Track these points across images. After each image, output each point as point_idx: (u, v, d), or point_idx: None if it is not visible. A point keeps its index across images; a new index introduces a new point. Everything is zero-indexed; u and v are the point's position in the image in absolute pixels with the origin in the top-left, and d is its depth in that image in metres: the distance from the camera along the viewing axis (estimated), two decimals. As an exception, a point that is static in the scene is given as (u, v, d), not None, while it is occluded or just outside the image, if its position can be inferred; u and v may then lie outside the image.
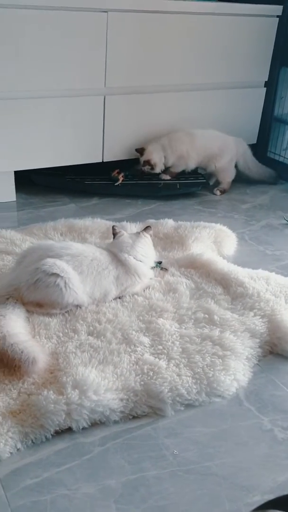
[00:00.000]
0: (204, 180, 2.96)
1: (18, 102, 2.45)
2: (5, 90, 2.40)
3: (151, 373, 1.45)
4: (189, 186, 2.89)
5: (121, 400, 1.37)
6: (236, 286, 1.87)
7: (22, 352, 1.42)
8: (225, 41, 2.91)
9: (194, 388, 1.43)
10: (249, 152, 3.04)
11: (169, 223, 2.40)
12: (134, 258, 1.83)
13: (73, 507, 1.13)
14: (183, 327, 1.67)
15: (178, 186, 2.85)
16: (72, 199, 2.75)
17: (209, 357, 1.53)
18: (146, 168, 2.83)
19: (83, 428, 1.32)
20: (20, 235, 2.22)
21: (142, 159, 2.82)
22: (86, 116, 2.66)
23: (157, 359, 1.51)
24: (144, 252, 1.87)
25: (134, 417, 1.37)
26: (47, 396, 1.33)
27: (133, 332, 1.62)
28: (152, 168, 2.83)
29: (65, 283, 1.63)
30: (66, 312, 1.69)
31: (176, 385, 1.42)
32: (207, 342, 1.60)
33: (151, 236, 1.95)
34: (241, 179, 3.08)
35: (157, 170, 2.85)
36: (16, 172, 2.66)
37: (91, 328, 1.63)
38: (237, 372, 1.51)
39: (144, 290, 1.85)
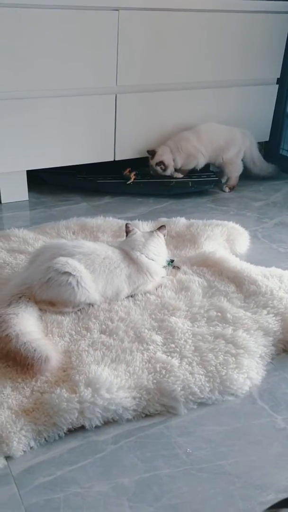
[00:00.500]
0: (217, 178, 2.96)
1: (30, 101, 2.46)
2: (16, 90, 2.41)
3: (163, 372, 1.45)
4: (201, 184, 2.89)
5: (134, 398, 1.37)
6: (249, 284, 1.86)
7: (35, 350, 1.42)
8: (237, 38, 2.90)
9: (207, 386, 1.43)
10: (255, 146, 3.03)
11: (181, 221, 2.40)
12: (146, 256, 1.82)
13: (86, 505, 1.13)
14: (196, 326, 1.66)
15: (190, 184, 2.85)
16: (84, 198, 2.76)
17: (222, 356, 1.52)
18: (161, 167, 2.82)
19: (96, 426, 1.32)
20: (33, 234, 2.23)
21: (155, 160, 2.82)
22: (97, 115, 2.67)
23: (169, 358, 1.51)
24: (156, 251, 1.87)
25: (146, 416, 1.37)
26: (60, 394, 1.34)
27: (146, 331, 1.62)
28: (165, 169, 2.83)
29: (77, 281, 1.63)
30: (78, 310, 1.70)
31: (188, 384, 1.42)
32: (220, 340, 1.59)
33: (164, 236, 1.95)
34: (254, 177, 3.07)
35: (168, 171, 2.85)
36: (28, 172, 2.67)
37: (103, 326, 1.63)
38: (250, 370, 1.50)
39: (156, 289, 1.85)
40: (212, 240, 2.23)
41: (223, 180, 3.02)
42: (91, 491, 1.16)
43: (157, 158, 2.81)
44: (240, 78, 3.04)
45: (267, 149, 3.26)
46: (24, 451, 1.24)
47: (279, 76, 3.17)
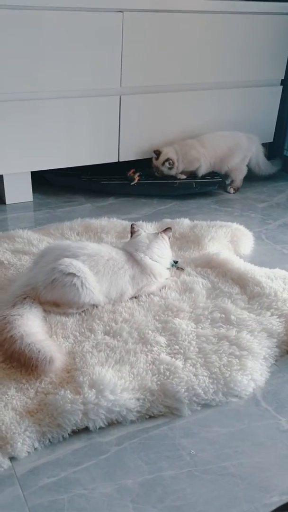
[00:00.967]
0: (221, 179, 2.95)
1: (34, 102, 2.47)
2: (21, 91, 2.42)
3: (167, 373, 1.45)
4: (205, 185, 2.89)
5: (138, 399, 1.37)
6: (253, 286, 1.86)
7: (39, 351, 1.43)
8: (240, 40, 2.90)
9: (211, 388, 1.43)
10: (261, 150, 3.03)
11: (185, 222, 2.40)
12: (150, 258, 1.83)
13: (90, 507, 1.13)
14: (200, 327, 1.66)
15: (194, 185, 2.85)
16: (88, 199, 2.76)
17: (226, 357, 1.52)
18: (169, 163, 2.81)
19: (100, 428, 1.32)
20: (37, 235, 2.24)
21: (162, 158, 2.81)
22: (102, 116, 2.67)
23: (173, 359, 1.51)
24: (160, 253, 1.87)
25: (150, 417, 1.37)
26: (64, 395, 1.34)
27: (150, 332, 1.62)
28: (172, 166, 2.82)
29: (82, 282, 1.64)
30: (82, 311, 1.70)
31: (192, 385, 1.42)
32: (224, 342, 1.59)
33: (169, 238, 1.95)
34: (258, 178, 3.06)
35: (174, 171, 2.85)
36: (32, 173, 2.68)
37: (107, 327, 1.64)
38: (254, 372, 1.50)
39: (160, 290, 1.85)
40: (216, 241, 2.23)
41: (227, 182, 3.01)
42: (95, 492, 1.16)
43: (164, 156, 2.81)
44: (244, 79, 3.04)
45: (271, 150, 3.26)
46: (28, 452, 1.24)
47: (283, 77, 3.17)
